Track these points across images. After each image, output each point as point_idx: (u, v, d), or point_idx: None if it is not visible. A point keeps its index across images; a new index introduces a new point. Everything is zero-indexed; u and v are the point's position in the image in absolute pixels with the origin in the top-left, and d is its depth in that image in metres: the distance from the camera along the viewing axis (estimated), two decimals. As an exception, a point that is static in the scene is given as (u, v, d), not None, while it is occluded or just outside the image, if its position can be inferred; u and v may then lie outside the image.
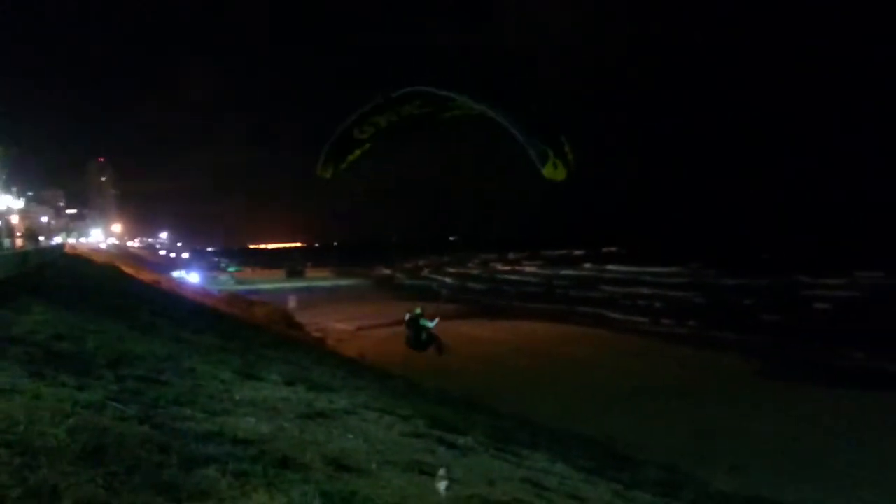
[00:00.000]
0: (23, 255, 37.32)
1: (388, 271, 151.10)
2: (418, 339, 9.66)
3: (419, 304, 9.95)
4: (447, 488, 6.85)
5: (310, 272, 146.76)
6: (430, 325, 9.59)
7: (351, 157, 8.03)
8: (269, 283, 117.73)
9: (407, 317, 9.69)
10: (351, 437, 8.88)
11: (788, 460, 21.68)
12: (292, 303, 69.79)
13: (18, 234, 73.55)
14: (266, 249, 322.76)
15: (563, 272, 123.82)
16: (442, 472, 7.13)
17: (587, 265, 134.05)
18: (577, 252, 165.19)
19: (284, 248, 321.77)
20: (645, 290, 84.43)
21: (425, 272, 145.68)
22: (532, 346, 46.36)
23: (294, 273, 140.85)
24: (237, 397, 10.01)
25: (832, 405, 29.42)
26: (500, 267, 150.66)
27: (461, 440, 11.38)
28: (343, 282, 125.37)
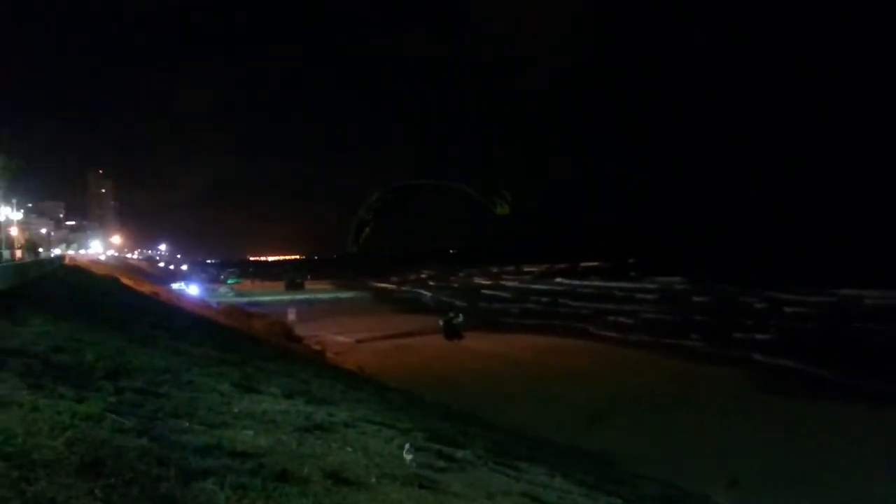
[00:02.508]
0: (22, 267, 37.35)
1: (386, 284, 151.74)
2: (451, 332, 12.44)
3: (451, 311, 12.73)
4: (411, 458, 8.80)
5: (309, 284, 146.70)
6: (460, 320, 12.49)
7: (363, 235, 11.27)
8: (268, 295, 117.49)
9: (441, 322, 12.54)
10: (350, 450, 8.86)
11: (788, 475, 21.62)
12: (292, 315, 69.64)
13: (18, 245, 73.62)
14: (266, 261, 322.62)
15: (538, 287, 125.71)
16: (407, 448, 9.13)
17: (558, 279, 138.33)
18: (560, 265, 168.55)
19: (284, 260, 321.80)
20: (627, 307, 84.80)
21: (406, 286, 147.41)
22: (528, 358, 46.31)
23: (293, 285, 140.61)
24: (236, 410, 9.99)
25: (829, 419, 29.40)
26: (482, 281, 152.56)
27: (460, 454, 11.35)
28: (342, 294, 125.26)
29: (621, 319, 72.32)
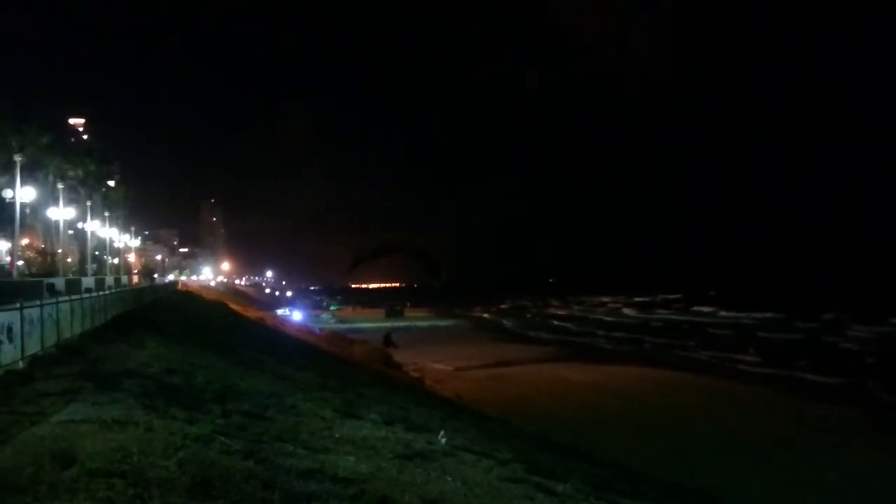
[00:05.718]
0: (139, 292, 39.20)
1: (475, 313, 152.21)
2: (388, 342, 24.94)
3: (391, 327, 17.27)
4: (443, 439, 11.29)
5: (408, 312, 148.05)
6: (393, 337, 16.73)
7: (360, 266, 25.68)
8: (368, 321, 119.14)
9: (384, 335, 23.93)
10: (449, 479, 8.83)
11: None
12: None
13: (135, 271, 77.51)
14: (367, 289, 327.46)
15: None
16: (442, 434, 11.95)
17: (625, 310, 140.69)
18: (638, 297, 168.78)
19: (384, 288, 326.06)
20: (698, 339, 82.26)
21: (487, 315, 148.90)
22: (626, 389, 45.19)
23: (393, 312, 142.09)
24: (337, 435, 10.13)
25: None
26: (558, 311, 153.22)
27: (560, 487, 11.13)
28: (441, 322, 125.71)
29: (699, 353, 70.25)
